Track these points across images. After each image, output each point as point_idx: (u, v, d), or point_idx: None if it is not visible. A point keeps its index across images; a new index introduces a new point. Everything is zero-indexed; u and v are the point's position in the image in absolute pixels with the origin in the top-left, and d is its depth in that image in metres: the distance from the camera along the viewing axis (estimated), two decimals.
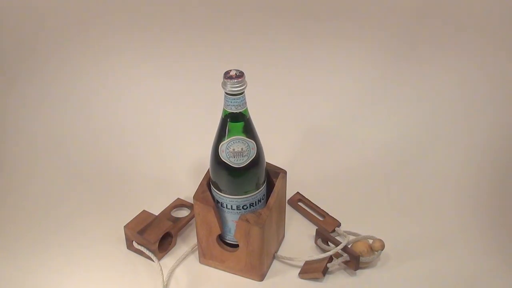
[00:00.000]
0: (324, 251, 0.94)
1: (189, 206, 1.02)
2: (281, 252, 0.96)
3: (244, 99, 0.80)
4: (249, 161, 0.83)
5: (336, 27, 1.15)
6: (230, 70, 0.79)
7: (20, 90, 1.19)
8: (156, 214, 0.98)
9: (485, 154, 1.11)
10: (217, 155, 0.83)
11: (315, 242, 0.97)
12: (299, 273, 0.92)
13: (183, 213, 1.02)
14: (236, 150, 0.82)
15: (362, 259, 0.90)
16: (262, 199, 0.89)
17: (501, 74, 1.14)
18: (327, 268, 0.91)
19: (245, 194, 0.86)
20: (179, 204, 1.03)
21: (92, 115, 1.19)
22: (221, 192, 0.86)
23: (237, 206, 0.87)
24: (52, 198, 1.06)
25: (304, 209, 1.04)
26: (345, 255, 0.91)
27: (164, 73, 1.20)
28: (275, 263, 0.95)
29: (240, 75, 0.78)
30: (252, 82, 0.81)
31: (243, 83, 0.79)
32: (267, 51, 1.18)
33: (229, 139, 0.82)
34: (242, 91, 0.79)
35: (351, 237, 0.95)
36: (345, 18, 1.15)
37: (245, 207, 0.87)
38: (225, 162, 0.83)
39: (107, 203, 1.05)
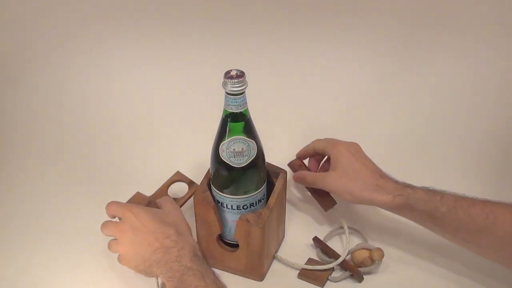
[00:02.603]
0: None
1: (188, 182, 0.99)
2: (281, 252, 0.96)
3: (245, 99, 0.80)
4: (249, 161, 0.83)
5: (337, 27, 1.16)
6: (231, 70, 0.79)
7: (20, 88, 1.19)
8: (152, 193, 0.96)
9: (487, 156, 1.11)
10: (218, 155, 0.83)
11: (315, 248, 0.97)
12: (299, 274, 0.92)
13: (182, 188, 1.00)
14: (236, 150, 0.82)
15: (361, 268, 0.91)
16: (263, 199, 0.89)
17: (504, 72, 1.14)
18: (328, 279, 0.91)
19: (245, 194, 0.86)
20: (178, 179, 1.00)
21: (91, 114, 1.19)
22: (221, 192, 0.86)
23: (237, 206, 0.87)
24: (51, 197, 1.06)
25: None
26: (347, 271, 0.91)
27: (165, 73, 1.20)
28: (275, 263, 0.95)
29: (240, 75, 0.78)
30: (252, 82, 0.81)
31: (244, 83, 0.79)
32: (268, 51, 1.18)
33: (229, 139, 0.82)
34: (242, 91, 0.79)
35: (351, 248, 0.95)
36: (345, 17, 1.15)
37: (245, 207, 0.87)
38: (226, 162, 0.83)
39: (106, 202, 1.05)
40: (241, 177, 0.85)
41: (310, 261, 0.94)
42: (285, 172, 0.92)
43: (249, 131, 0.83)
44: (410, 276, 0.92)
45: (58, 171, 1.11)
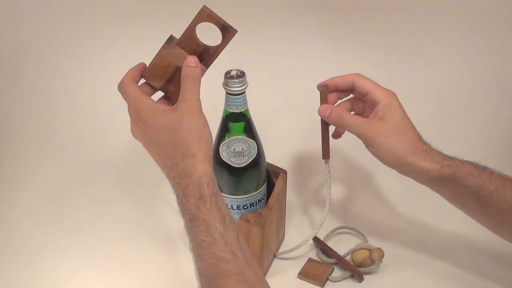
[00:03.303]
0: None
1: (221, 26, 0.74)
2: (281, 252, 0.96)
3: (245, 99, 0.80)
4: (249, 161, 0.83)
5: (337, 26, 1.16)
6: (231, 70, 0.79)
7: (22, 89, 1.18)
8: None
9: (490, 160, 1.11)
10: (218, 155, 0.84)
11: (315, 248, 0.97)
12: (299, 274, 0.92)
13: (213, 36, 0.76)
14: (236, 150, 0.82)
15: (361, 268, 0.91)
16: (263, 199, 0.89)
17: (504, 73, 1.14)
18: (328, 279, 0.91)
19: (245, 194, 0.86)
20: (205, 20, 0.74)
21: (92, 114, 1.19)
22: (221, 191, 0.86)
23: (237, 206, 0.87)
24: (52, 197, 1.06)
25: None
26: (347, 271, 0.91)
27: None
28: (275, 263, 0.95)
29: (241, 75, 0.79)
30: (252, 82, 0.81)
31: (244, 83, 0.79)
32: (268, 51, 1.18)
33: (229, 139, 0.82)
34: (243, 91, 0.79)
35: (350, 249, 0.95)
36: (345, 16, 1.15)
37: (245, 207, 0.87)
38: (226, 162, 0.83)
39: (106, 202, 1.05)
40: (241, 177, 0.85)
41: (310, 261, 0.94)
42: (285, 172, 0.92)
43: (249, 131, 0.83)
44: (410, 276, 0.92)
45: (58, 171, 1.11)
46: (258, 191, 0.87)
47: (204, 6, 0.74)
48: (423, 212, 1.02)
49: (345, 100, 0.87)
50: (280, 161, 0.94)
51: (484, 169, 0.79)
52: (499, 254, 0.93)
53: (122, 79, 0.75)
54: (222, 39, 0.75)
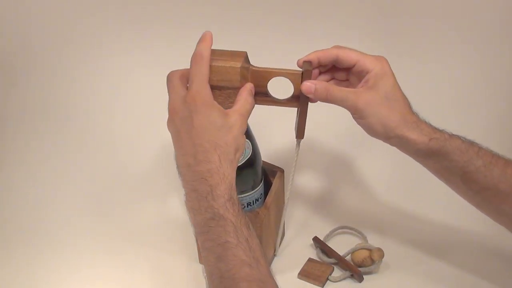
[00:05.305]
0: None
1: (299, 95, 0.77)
2: (281, 251, 0.96)
3: None
4: (244, 160, 0.83)
5: (336, 25, 1.15)
6: None
7: (19, 89, 1.19)
8: None
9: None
10: None
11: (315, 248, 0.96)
12: (299, 274, 0.92)
13: None
14: None
15: (361, 268, 0.91)
16: (260, 198, 0.89)
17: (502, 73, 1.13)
18: (328, 279, 0.91)
19: (242, 194, 0.86)
20: (295, 78, 0.78)
21: (93, 114, 1.20)
22: None
23: None
24: (52, 197, 1.07)
25: None
26: (347, 271, 0.91)
27: (163, 73, 1.20)
28: (275, 262, 0.94)
29: None
30: None
31: None
32: (265, 50, 1.17)
33: None
34: None
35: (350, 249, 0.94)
36: (345, 15, 1.15)
37: (242, 207, 0.87)
38: None
39: (106, 202, 1.05)
40: (237, 177, 0.84)
41: (310, 261, 0.94)
42: (283, 171, 0.91)
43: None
44: (410, 276, 0.91)
45: (58, 171, 1.12)
46: (255, 190, 0.87)
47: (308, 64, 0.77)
48: (424, 212, 1.01)
49: (324, 72, 0.82)
50: (277, 161, 0.94)
51: (472, 143, 0.77)
52: (500, 253, 0.92)
53: (204, 54, 0.74)
54: (287, 99, 0.79)
